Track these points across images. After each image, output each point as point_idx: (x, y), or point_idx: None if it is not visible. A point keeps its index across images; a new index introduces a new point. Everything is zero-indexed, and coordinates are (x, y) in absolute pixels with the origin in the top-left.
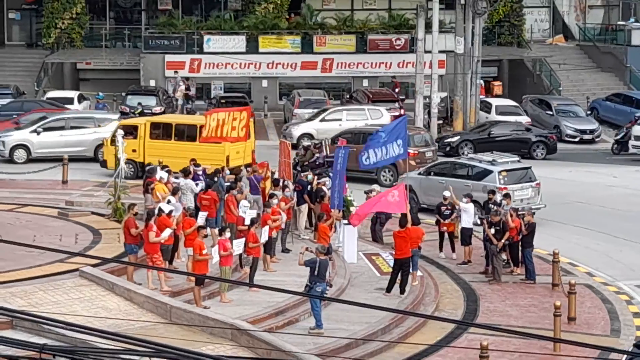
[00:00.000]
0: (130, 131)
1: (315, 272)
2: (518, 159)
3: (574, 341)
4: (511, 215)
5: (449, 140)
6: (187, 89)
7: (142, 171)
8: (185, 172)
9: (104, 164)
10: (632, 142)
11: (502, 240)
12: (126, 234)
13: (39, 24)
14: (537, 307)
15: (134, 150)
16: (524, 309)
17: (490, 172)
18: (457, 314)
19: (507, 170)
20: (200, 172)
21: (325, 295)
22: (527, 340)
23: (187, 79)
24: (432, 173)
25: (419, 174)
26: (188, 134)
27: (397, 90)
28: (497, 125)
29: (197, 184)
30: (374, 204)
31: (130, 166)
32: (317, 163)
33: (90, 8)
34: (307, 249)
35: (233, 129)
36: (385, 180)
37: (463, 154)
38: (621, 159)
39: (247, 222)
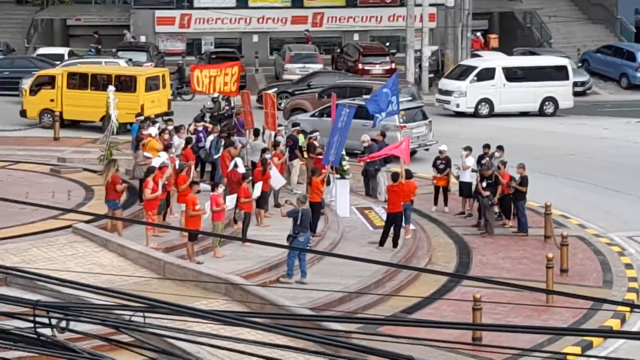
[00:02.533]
0: (49, 81)
1: (298, 222)
2: (410, 98)
3: (567, 292)
4: (499, 168)
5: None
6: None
7: (60, 120)
8: (177, 129)
9: (23, 113)
10: (437, 96)
11: (497, 196)
12: (111, 189)
13: None
14: (529, 259)
15: (51, 100)
16: (517, 262)
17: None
18: (449, 267)
19: (404, 110)
20: (200, 129)
21: (309, 244)
22: (519, 292)
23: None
24: (325, 115)
25: (312, 115)
26: (104, 83)
27: (309, 43)
28: (317, 76)
29: (198, 142)
30: (390, 150)
31: (49, 116)
32: (226, 115)
33: None
34: (286, 201)
35: (225, 84)
36: None
37: (281, 105)
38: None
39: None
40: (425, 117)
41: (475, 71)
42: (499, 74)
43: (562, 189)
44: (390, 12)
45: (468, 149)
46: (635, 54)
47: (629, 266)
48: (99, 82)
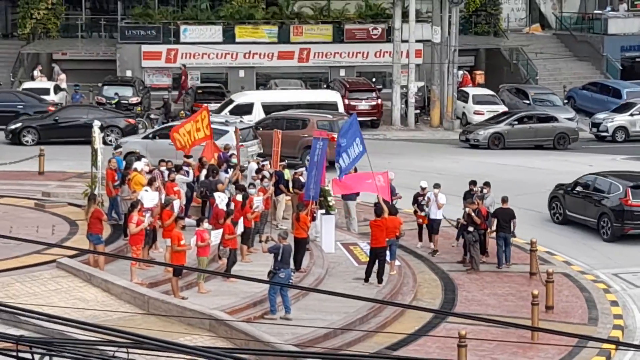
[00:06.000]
0: None
1: (279, 258)
2: (241, 119)
3: (552, 330)
4: (477, 204)
5: (11, 127)
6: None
7: None
8: (177, 168)
9: None
10: None
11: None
12: (94, 223)
13: (15, 15)
14: (515, 296)
15: None
16: (502, 298)
17: (226, 131)
18: (435, 304)
19: (241, 129)
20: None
21: (291, 280)
22: (505, 329)
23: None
24: (157, 137)
25: (145, 137)
26: None
27: (183, 78)
28: (65, 110)
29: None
30: (361, 183)
31: None
32: None
33: None
34: (267, 236)
35: (198, 130)
36: None
37: (26, 140)
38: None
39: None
40: (255, 137)
41: (230, 106)
42: (257, 110)
43: (547, 225)
44: (377, 48)
45: (438, 186)
46: (621, 91)
47: (614, 303)
48: None
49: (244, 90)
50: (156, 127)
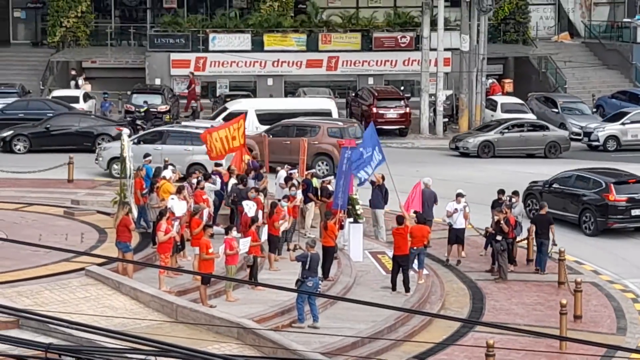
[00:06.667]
0: None
1: (307, 267)
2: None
3: (580, 339)
4: (506, 212)
5: (2, 135)
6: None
7: None
8: (205, 176)
9: None
10: None
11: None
12: (123, 231)
13: (45, 23)
14: (543, 305)
15: None
16: (530, 307)
17: None
18: (463, 313)
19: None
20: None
21: (318, 288)
22: (533, 338)
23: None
24: (142, 142)
25: (134, 142)
26: None
27: (192, 86)
28: (57, 118)
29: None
30: (413, 201)
31: None
32: None
33: (95, 6)
34: (295, 245)
35: (234, 139)
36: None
37: (17, 148)
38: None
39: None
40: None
41: (224, 113)
42: (251, 117)
43: (576, 234)
44: (405, 56)
45: (461, 195)
46: None
47: None
48: None
49: (239, 99)
50: (141, 133)
